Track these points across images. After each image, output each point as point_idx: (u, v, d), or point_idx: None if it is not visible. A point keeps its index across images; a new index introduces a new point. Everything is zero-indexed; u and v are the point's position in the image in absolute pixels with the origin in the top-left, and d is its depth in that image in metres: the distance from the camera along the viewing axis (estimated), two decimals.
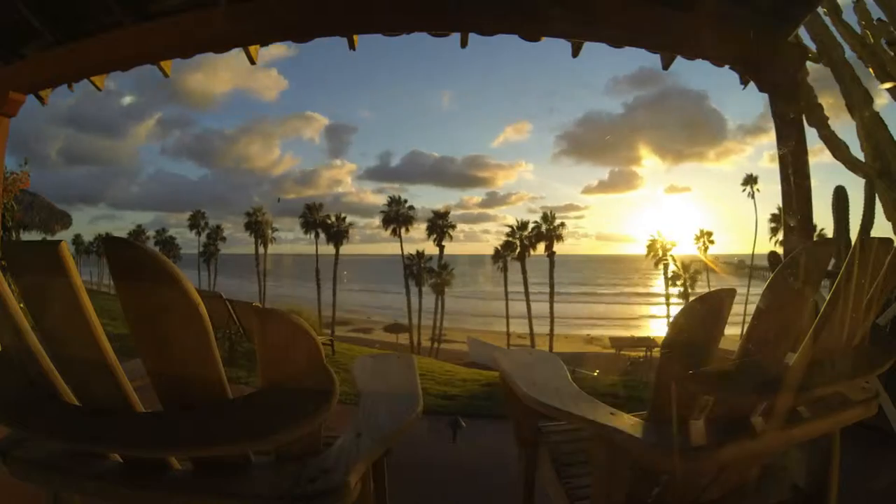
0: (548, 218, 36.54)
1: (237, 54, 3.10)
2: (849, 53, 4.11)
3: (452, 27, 2.85)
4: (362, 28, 2.89)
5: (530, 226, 36.47)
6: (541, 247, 36.00)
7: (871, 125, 3.95)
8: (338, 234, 38.83)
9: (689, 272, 36.14)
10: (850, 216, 3.98)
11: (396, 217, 38.17)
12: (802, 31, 3.79)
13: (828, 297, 1.05)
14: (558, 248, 36.15)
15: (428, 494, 2.40)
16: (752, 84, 2.85)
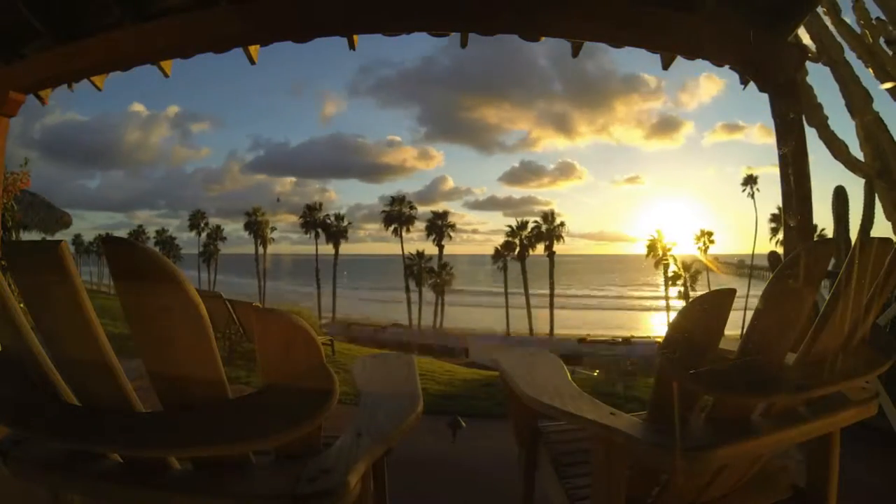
0: (548, 218, 36.61)
1: None
2: (848, 53, 4.11)
3: (452, 27, 2.85)
4: (362, 28, 2.89)
5: (530, 226, 36.56)
6: (536, 247, 36.01)
7: (871, 125, 3.95)
8: (337, 234, 38.84)
9: (688, 272, 36.10)
10: (850, 216, 3.98)
11: (399, 217, 38.19)
12: (802, 31, 3.79)
13: (828, 297, 1.05)
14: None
15: (428, 494, 2.41)
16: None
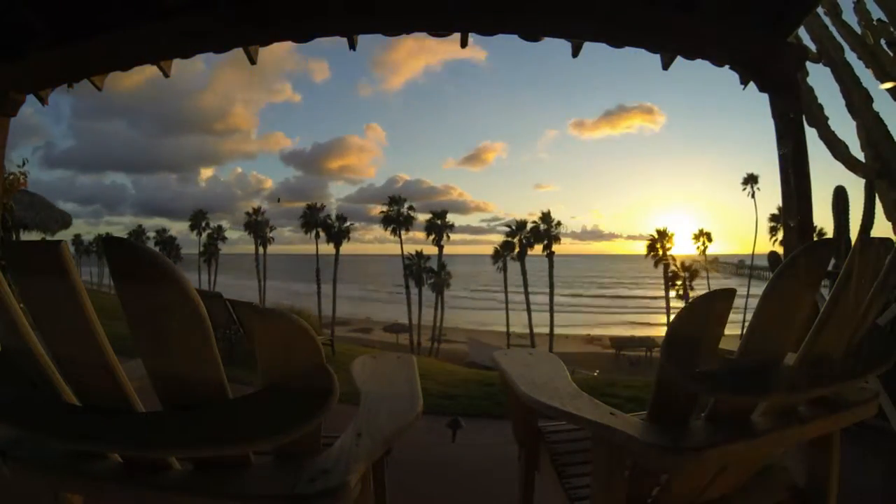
0: (547, 218, 36.58)
1: None
2: (849, 54, 4.12)
3: (452, 27, 2.85)
4: (362, 28, 2.89)
5: (528, 226, 36.57)
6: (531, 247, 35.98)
7: (871, 125, 3.95)
8: (338, 234, 38.84)
9: (687, 272, 35.99)
10: (850, 216, 3.98)
11: (397, 218, 38.20)
12: (802, 31, 3.79)
13: (828, 297, 1.05)
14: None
15: (427, 494, 2.40)
16: None
